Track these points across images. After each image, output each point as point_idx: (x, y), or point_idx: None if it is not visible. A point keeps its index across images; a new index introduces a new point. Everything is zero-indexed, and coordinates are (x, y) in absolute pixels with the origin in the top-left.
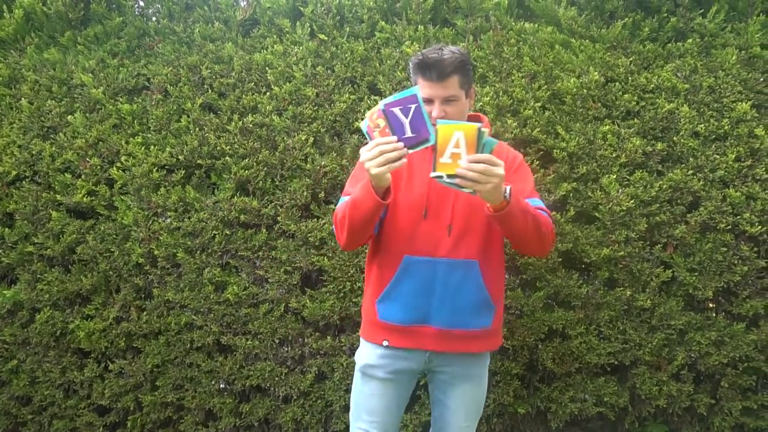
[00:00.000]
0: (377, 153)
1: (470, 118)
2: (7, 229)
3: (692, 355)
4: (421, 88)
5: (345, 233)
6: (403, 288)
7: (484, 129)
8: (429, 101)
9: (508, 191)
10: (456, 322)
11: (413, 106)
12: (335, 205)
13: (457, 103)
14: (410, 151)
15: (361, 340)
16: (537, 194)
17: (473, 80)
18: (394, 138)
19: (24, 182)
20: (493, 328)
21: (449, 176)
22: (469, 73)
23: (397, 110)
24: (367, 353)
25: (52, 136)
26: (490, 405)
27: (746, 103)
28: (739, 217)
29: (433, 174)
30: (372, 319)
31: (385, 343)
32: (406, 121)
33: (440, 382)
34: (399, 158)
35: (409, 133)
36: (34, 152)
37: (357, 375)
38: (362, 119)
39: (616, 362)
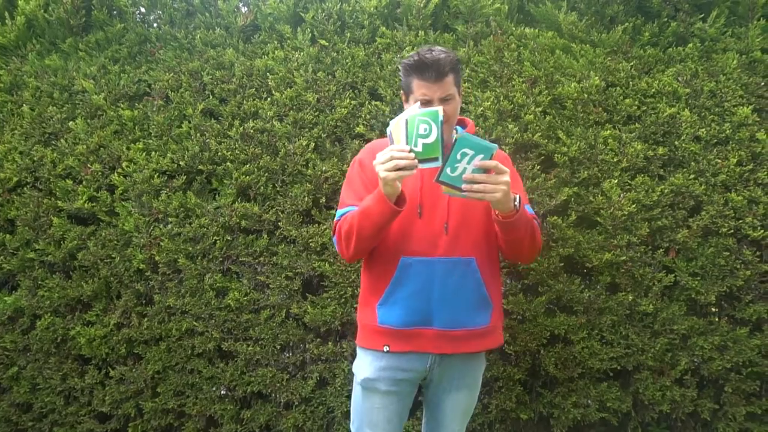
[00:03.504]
0: (389, 158)
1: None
2: (8, 235)
3: (695, 360)
4: (418, 89)
5: (353, 245)
6: (403, 290)
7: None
8: (427, 102)
9: (518, 200)
10: (456, 321)
11: (433, 125)
12: (335, 211)
13: (453, 101)
14: (420, 166)
15: (359, 349)
16: (527, 200)
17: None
18: (407, 147)
19: (25, 188)
20: (492, 326)
21: (455, 188)
22: (460, 71)
23: (418, 124)
24: (366, 365)
25: (53, 142)
26: (492, 411)
27: (747, 107)
28: (741, 221)
29: (437, 179)
30: (371, 325)
31: (386, 348)
32: (423, 137)
33: (437, 388)
34: (410, 168)
35: (421, 149)
36: (35, 158)
37: (357, 389)
38: (390, 120)
39: (618, 367)
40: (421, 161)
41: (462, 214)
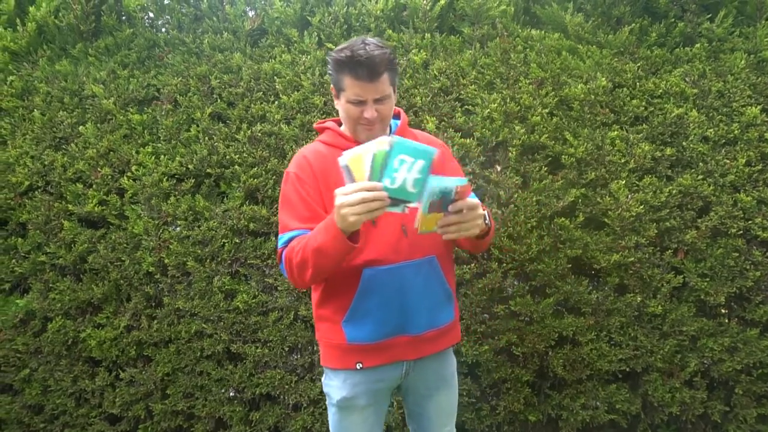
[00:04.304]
0: (358, 200)
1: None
2: (20, 238)
3: (705, 361)
4: (350, 88)
5: (308, 277)
6: (370, 303)
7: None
8: (360, 102)
9: (486, 217)
10: (429, 323)
11: (421, 163)
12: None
13: (388, 101)
14: (389, 209)
15: (327, 370)
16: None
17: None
18: (380, 185)
19: (36, 192)
20: (454, 320)
21: (402, 201)
22: (397, 68)
23: (405, 158)
24: (340, 384)
25: (63, 146)
26: (500, 413)
27: (756, 107)
28: (750, 221)
29: (419, 231)
30: (338, 344)
31: (359, 365)
32: (403, 174)
33: (416, 396)
34: (381, 209)
35: (396, 186)
36: (46, 163)
37: (333, 409)
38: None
39: (627, 369)
40: (392, 201)
41: (416, 212)
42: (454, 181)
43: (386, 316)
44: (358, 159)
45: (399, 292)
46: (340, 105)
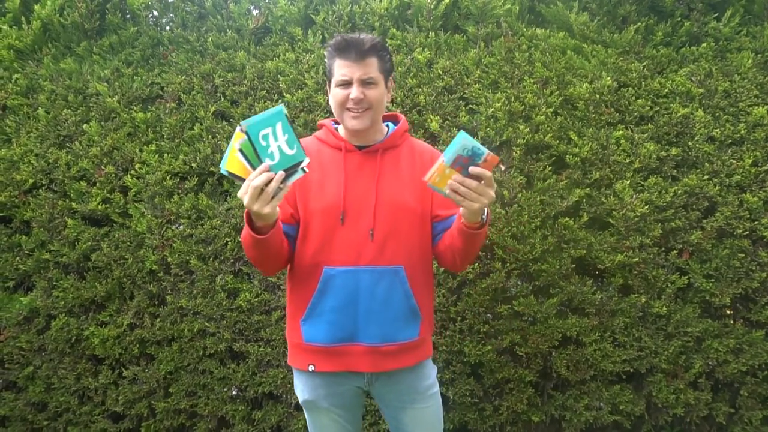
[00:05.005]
0: (249, 189)
1: (386, 118)
2: (23, 236)
3: (710, 362)
4: (338, 68)
5: (257, 266)
6: (326, 304)
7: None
8: (347, 83)
9: (485, 213)
10: (384, 335)
11: (279, 125)
12: None
13: (376, 87)
14: (288, 181)
15: (293, 369)
16: None
17: (393, 71)
18: (265, 166)
19: (40, 190)
20: (421, 338)
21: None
22: (387, 60)
23: (265, 132)
24: (302, 386)
25: (67, 144)
26: (503, 413)
27: (763, 107)
28: (756, 222)
29: (425, 178)
30: (296, 342)
31: (311, 368)
32: (274, 145)
33: (391, 408)
34: (280, 188)
35: (278, 158)
36: (50, 161)
37: (304, 410)
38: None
39: (631, 370)
40: (287, 173)
41: (392, 220)
42: (486, 149)
43: (340, 320)
44: (232, 160)
45: (354, 297)
46: (330, 95)
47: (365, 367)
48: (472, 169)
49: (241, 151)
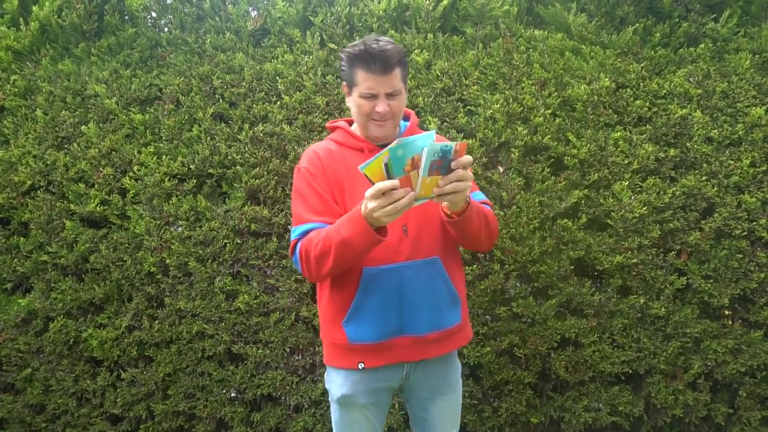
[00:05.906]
0: (387, 202)
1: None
2: (22, 238)
3: (709, 363)
4: (363, 82)
5: (326, 270)
6: (370, 303)
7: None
8: (372, 96)
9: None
10: (430, 324)
11: (425, 150)
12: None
13: (399, 97)
14: (417, 202)
15: (329, 368)
16: (477, 186)
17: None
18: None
19: (39, 192)
20: (463, 321)
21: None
22: (407, 66)
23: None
24: (341, 382)
25: (66, 146)
26: (502, 414)
27: (761, 107)
28: (754, 223)
29: (417, 201)
30: (340, 343)
31: (361, 366)
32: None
33: (420, 400)
34: (408, 205)
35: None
36: (48, 162)
37: (335, 406)
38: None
39: (630, 371)
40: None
41: (421, 213)
42: (452, 142)
43: (386, 317)
44: (374, 165)
45: (399, 293)
46: (351, 101)
47: (413, 356)
48: (454, 164)
49: (388, 162)
